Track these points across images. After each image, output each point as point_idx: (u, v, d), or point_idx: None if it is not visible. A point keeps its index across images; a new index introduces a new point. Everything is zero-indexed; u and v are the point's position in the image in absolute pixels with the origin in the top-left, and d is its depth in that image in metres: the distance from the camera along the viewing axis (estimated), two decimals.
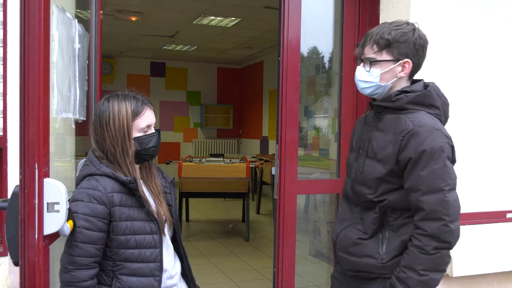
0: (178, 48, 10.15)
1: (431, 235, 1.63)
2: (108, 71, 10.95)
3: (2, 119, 2.31)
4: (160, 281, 1.70)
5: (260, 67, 11.15)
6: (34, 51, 1.45)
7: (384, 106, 1.77)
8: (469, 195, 3.04)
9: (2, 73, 2.30)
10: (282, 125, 2.81)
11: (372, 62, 1.74)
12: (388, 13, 2.87)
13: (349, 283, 1.90)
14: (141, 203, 1.68)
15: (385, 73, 1.75)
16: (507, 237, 3.03)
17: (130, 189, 1.66)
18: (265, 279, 4.71)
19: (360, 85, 1.80)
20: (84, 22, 2.29)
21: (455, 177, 1.69)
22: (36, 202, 1.47)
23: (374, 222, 1.76)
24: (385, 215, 1.75)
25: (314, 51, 3.04)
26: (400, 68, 1.75)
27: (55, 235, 1.59)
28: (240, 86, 12.47)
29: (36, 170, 1.46)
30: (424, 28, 2.71)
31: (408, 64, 1.75)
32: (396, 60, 1.73)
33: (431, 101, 1.76)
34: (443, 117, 1.81)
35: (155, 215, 1.71)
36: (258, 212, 8.02)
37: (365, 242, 1.78)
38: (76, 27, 2.18)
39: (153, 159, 1.83)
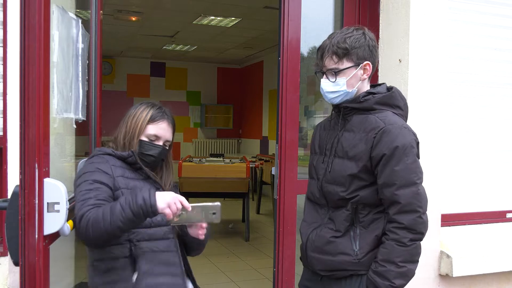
0: (178, 48, 10.15)
1: (407, 227, 1.70)
2: (108, 71, 10.94)
3: (2, 119, 2.31)
4: (175, 242, 1.80)
5: (260, 67, 11.15)
6: (34, 51, 1.45)
7: (352, 108, 1.85)
8: (469, 195, 3.05)
9: (2, 73, 2.30)
10: (282, 125, 2.81)
11: (336, 72, 1.81)
12: (388, 13, 2.87)
13: (321, 286, 1.91)
14: (145, 174, 1.79)
15: (350, 79, 1.82)
16: (507, 237, 3.04)
17: (131, 164, 1.78)
18: (265, 279, 4.71)
19: (329, 96, 1.86)
20: (84, 22, 2.29)
21: (423, 172, 1.79)
22: (36, 202, 1.47)
23: (346, 219, 1.82)
24: (356, 212, 1.81)
25: (314, 51, 3.03)
26: (362, 71, 1.83)
27: (55, 235, 1.59)
28: (240, 86, 12.47)
29: (36, 170, 1.46)
30: (424, 28, 2.73)
31: (369, 65, 1.84)
32: (357, 64, 1.81)
33: (396, 102, 1.87)
34: (405, 117, 1.91)
35: (162, 184, 1.81)
36: (258, 212, 8.01)
37: (338, 240, 1.82)
38: (79, 27, 2.19)
39: (169, 169, 1.92)
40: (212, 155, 7.79)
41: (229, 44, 9.62)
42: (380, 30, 2.91)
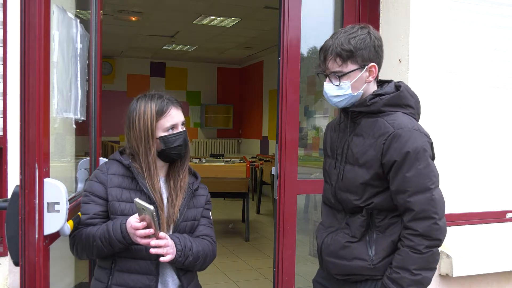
0: (178, 48, 10.15)
1: (422, 235, 1.65)
2: (108, 71, 10.94)
3: (2, 119, 2.31)
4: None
5: (260, 67, 11.15)
6: (34, 51, 1.45)
7: (359, 111, 1.77)
8: (469, 195, 3.04)
9: (2, 73, 2.30)
10: (282, 125, 2.81)
11: (340, 76, 1.72)
12: (388, 13, 2.87)
13: (337, 286, 1.88)
14: (140, 186, 1.73)
15: (355, 82, 1.73)
16: (507, 237, 3.04)
17: (132, 173, 1.74)
18: (265, 279, 4.71)
19: (333, 100, 1.77)
20: (84, 22, 2.29)
21: (438, 174, 1.71)
22: (36, 202, 1.47)
23: (362, 225, 1.76)
24: (371, 217, 1.76)
25: (314, 51, 3.03)
26: (367, 73, 1.74)
27: (55, 235, 1.59)
28: (240, 86, 12.47)
29: (36, 170, 1.46)
30: (424, 28, 2.72)
31: (374, 67, 1.75)
32: (362, 67, 1.72)
33: (406, 101, 1.78)
34: (417, 115, 1.83)
35: (154, 200, 1.72)
36: (258, 212, 8.02)
37: (354, 245, 1.77)
38: (78, 27, 2.19)
39: (185, 163, 1.83)
40: (212, 155, 7.80)
41: (229, 44, 9.62)
42: (380, 30, 2.91)
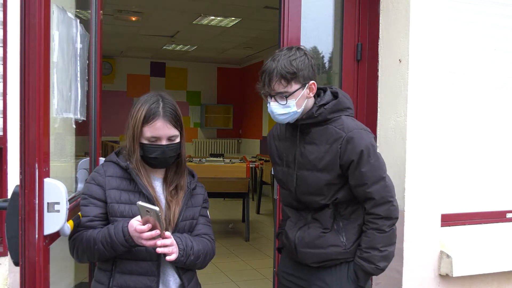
0: (178, 48, 10.15)
1: (384, 217, 1.90)
2: (108, 71, 10.95)
3: (2, 119, 2.31)
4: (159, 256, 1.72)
5: (260, 67, 11.13)
6: (34, 51, 1.45)
7: (309, 123, 1.96)
8: (469, 195, 3.05)
9: (2, 73, 2.30)
10: None
11: (287, 96, 1.88)
12: (388, 13, 2.87)
13: (309, 275, 2.03)
14: (138, 187, 1.73)
15: (299, 100, 1.90)
16: (507, 237, 3.04)
17: (130, 174, 1.74)
18: (265, 279, 4.71)
19: (280, 118, 1.93)
20: (84, 22, 2.29)
21: (384, 162, 1.98)
22: (36, 202, 1.47)
23: (330, 216, 1.99)
24: (337, 208, 1.99)
25: (314, 51, 3.03)
26: (308, 91, 1.92)
27: (55, 235, 1.59)
28: (240, 86, 12.47)
29: (36, 170, 1.46)
30: (424, 28, 2.73)
31: (314, 85, 1.93)
32: (303, 85, 1.90)
33: (345, 105, 2.00)
34: (353, 110, 2.05)
35: (153, 200, 1.72)
36: (258, 212, 8.02)
37: (327, 235, 1.98)
38: (78, 27, 2.19)
39: (182, 166, 1.83)
40: (212, 155, 7.80)
41: (229, 44, 9.62)
42: (380, 30, 2.91)
